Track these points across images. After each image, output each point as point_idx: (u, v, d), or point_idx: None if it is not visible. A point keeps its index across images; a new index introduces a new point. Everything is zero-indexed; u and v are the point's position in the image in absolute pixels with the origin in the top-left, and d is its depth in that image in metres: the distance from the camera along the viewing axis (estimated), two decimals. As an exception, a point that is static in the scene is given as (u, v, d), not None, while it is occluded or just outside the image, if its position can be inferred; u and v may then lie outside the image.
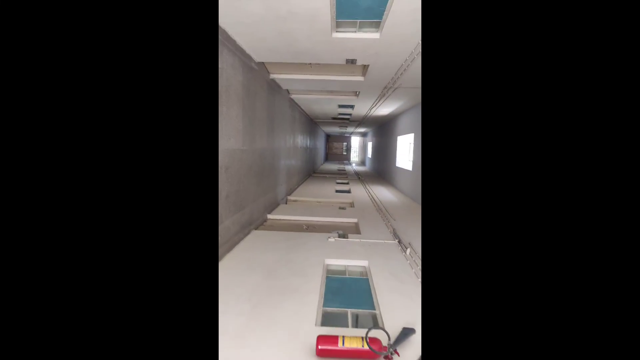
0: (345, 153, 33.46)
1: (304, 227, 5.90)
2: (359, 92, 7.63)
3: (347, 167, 22.19)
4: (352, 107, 10.60)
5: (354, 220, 6.37)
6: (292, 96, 8.80)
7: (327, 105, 10.73)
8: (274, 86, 6.96)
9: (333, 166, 22.92)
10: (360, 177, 15.20)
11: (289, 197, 8.77)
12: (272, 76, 6.42)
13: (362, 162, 28.06)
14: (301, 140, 12.23)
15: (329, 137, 32.55)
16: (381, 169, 16.42)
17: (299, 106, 11.00)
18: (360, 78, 6.14)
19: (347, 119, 14.21)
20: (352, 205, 8.18)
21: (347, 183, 12.71)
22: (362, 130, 22.00)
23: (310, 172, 15.47)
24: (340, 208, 7.44)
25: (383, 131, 15.81)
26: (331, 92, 8.39)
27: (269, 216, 6.49)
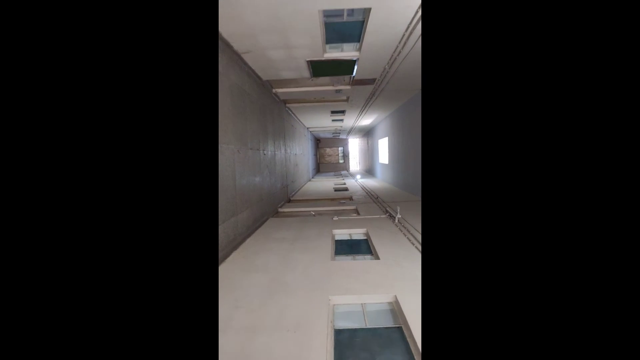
0: (342, 161, 25.40)
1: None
2: None
3: (349, 182, 13.91)
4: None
5: None
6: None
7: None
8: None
9: (326, 182, 14.59)
10: (384, 206, 6.91)
11: None
12: None
13: (368, 171, 19.77)
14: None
15: (319, 142, 24.54)
16: (416, 182, 8.30)
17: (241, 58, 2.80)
18: None
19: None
20: None
21: (371, 256, 4.40)
22: (368, 121, 13.89)
23: (275, 208, 7.19)
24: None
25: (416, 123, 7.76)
26: None
27: None
